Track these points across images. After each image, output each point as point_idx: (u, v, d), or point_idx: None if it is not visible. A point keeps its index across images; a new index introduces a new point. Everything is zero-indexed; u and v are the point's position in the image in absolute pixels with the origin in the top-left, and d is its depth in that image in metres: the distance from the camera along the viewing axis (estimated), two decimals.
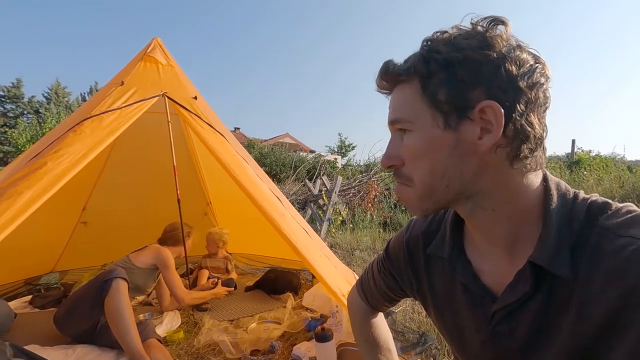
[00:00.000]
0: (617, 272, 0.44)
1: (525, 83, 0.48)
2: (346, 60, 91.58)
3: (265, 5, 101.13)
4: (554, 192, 0.54)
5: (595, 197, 0.54)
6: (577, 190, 0.56)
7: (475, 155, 0.51)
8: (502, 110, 0.47)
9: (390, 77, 0.56)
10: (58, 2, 60.36)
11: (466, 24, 0.52)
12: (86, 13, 64.50)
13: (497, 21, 0.50)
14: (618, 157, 9.37)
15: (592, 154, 9.09)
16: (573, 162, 8.43)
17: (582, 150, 9.32)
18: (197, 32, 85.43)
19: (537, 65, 0.49)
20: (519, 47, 0.49)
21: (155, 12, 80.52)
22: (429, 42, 0.53)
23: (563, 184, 0.56)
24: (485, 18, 0.51)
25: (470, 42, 0.49)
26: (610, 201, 0.52)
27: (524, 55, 0.49)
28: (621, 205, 0.51)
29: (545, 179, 0.55)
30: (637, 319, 0.41)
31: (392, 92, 0.58)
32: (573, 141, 9.42)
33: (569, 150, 9.53)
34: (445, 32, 0.52)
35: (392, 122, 0.57)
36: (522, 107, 0.48)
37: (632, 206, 0.51)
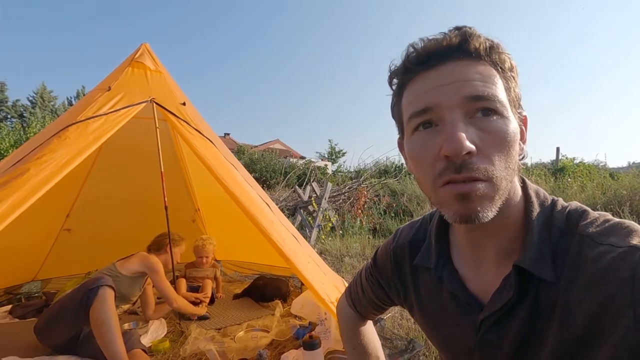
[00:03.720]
0: (596, 280, 0.45)
1: None
2: (338, 67, 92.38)
3: (257, 10, 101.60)
4: (535, 200, 0.55)
5: (574, 205, 0.55)
6: (555, 198, 0.57)
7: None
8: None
9: (474, 49, 0.49)
10: (48, 5, 59.55)
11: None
12: (76, 16, 63.80)
13: None
14: (601, 164, 9.63)
15: (576, 162, 9.31)
16: (558, 169, 8.61)
17: (567, 158, 9.53)
18: (187, 37, 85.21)
19: None
20: None
21: (144, 16, 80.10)
22: (488, 37, 0.52)
23: (542, 191, 0.57)
24: None
25: None
26: (588, 209, 0.54)
27: None
28: (598, 214, 0.52)
29: (524, 187, 0.57)
30: (615, 326, 0.42)
31: (452, 63, 0.50)
32: (557, 149, 9.63)
33: (554, 158, 9.76)
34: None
35: (478, 98, 0.48)
36: None
37: (609, 215, 0.52)
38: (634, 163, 12.13)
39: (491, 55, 0.50)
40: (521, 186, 0.57)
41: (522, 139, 0.55)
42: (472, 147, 0.46)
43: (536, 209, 0.54)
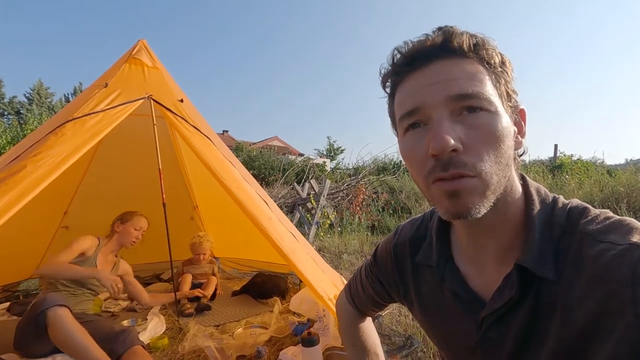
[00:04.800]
0: (597, 278, 0.45)
1: None
2: (336, 62, 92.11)
3: (253, 5, 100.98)
4: (535, 197, 0.55)
5: (575, 202, 0.55)
6: (557, 195, 0.57)
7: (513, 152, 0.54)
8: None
9: (457, 47, 0.50)
10: (46, 3, 59.04)
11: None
12: (72, 12, 63.29)
13: None
14: (598, 161, 9.65)
15: (574, 158, 9.32)
16: (555, 166, 8.63)
17: (565, 155, 9.55)
18: (184, 33, 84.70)
19: None
20: None
21: (141, 13, 79.53)
22: (474, 34, 0.52)
23: (542, 189, 0.57)
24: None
25: None
26: (589, 207, 0.53)
27: None
28: (599, 211, 0.52)
29: (524, 184, 0.57)
30: (616, 325, 0.42)
31: (436, 63, 0.51)
32: (555, 146, 9.64)
33: (552, 155, 9.77)
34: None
35: (463, 96, 0.48)
36: None
37: (609, 212, 0.52)
38: (631, 160, 12.16)
39: (477, 51, 0.51)
40: (521, 183, 0.56)
41: (520, 132, 0.55)
42: (457, 144, 0.47)
43: (537, 206, 0.54)
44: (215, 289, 2.86)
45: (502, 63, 0.53)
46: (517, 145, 0.54)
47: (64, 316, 1.61)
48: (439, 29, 0.52)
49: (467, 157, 0.48)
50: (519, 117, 0.56)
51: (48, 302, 1.62)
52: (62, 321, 1.58)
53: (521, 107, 0.56)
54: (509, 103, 0.53)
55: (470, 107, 0.49)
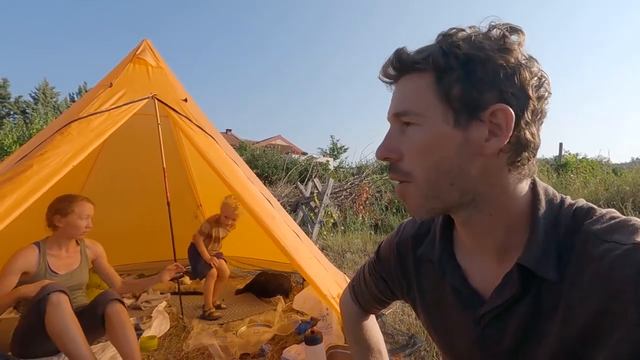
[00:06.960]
0: (601, 277, 0.44)
1: (535, 94, 0.50)
2: (339, 62, 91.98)
3: (256, 2, 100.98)
4: (542, 198, 0.54)
5: (581, 202, 0.55)
6: (564, 196, 0.57)
7: (480, 157, 0.51)
8: (514, 116, 0.48)
9: (402, 65, 0.54)
10: (47, 1, 59.42)
11: (481, 27, 0.52)
12: (77, 12, 63.68)
13: (513, 29, 0.51)
14: (604, 160, 9.59)
15: (579, 157, 9.26)
16: (560, 165, 8.57)
17: (570, 154, 9.48)
18: (188, 33, 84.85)
19: (544, 79, 0.51)
20: (531, 58, 0.51)
21: (145, 12, 79.79)
22: (447, 37, 0.51)
23: (551, 189, 0.57)
24: (503, 24, 0.51)
25: (490, 43, 0.49)
26: (595, 207, 0.53)
27: (535, 67, 0.50)
28: (605, 211, 0.52)
29: (534, 185, 0.56)
30: (619, 325, 0.42)
31: (398, 82, 0.56)
32: (560, 144, 9.58)
33: (557, 153, 9.71)
34: (463, 29, 0.52)
35: (397, 114, 0.55)
36: (529, 116, 0.50)
37: (615, 212, 0.51)
38: (637, 159, 12.00)
39: (424, 63, 0.51)
40: (531, 185, 0.56)
41: (498, 135, 0.49)
42: (389, 154, 0.55)
43: (543, 207, 0.53)
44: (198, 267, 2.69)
45: (467, 61, 0.49)
46: (487, 149, 0.50)
47: (64, 303, 1.52)
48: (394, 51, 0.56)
49: (402, 164, 0.55)
50: (502, 119, 0.49)
51: (50, 287, 1.54)
52: (61, 308, 1.50)
53: (499, 107, 0.48)
54: (460, 106, 0.50)
55: (404, 122, 0.55)
